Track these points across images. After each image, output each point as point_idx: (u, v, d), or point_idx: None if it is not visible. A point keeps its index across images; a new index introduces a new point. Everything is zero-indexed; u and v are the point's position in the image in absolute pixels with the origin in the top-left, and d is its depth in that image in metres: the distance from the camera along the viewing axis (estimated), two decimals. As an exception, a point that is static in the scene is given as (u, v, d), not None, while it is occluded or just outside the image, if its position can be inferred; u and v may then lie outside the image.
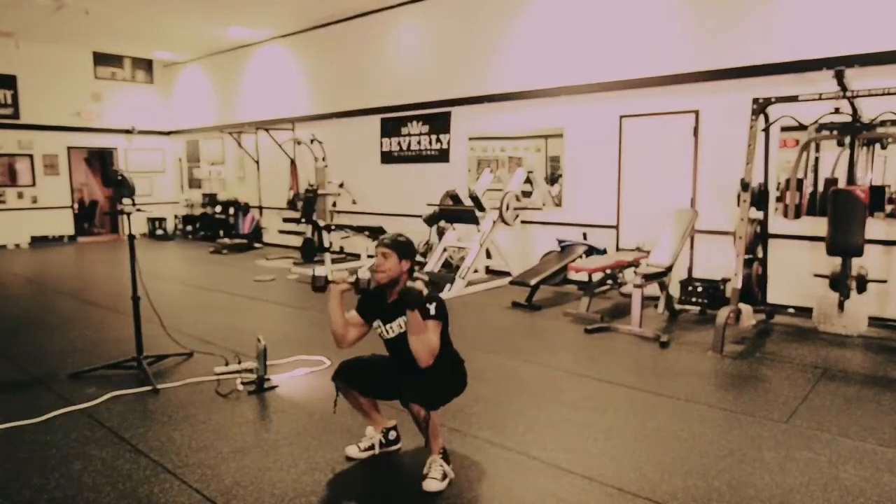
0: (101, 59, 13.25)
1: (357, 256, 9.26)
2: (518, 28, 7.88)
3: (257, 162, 12.27)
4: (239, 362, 4.37)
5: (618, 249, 7.12)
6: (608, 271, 6.14)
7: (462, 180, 8.52)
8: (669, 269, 5.66)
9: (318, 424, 3.45)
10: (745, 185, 5.07)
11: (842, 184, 5.31)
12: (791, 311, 5.97)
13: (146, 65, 14.02)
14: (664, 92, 6.65)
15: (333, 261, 8.61)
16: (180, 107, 14.19)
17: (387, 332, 2.91)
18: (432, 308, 2.73)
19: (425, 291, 2.71)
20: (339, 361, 3.02)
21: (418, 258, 7.82)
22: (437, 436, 2.77)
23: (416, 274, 2.85)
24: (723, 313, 4.84)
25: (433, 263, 7.87)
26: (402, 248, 2.87)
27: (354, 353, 3.03)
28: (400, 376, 2.81)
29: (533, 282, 6.42)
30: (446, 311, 2.81)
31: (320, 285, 2.93)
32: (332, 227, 8.90)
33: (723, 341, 4.76)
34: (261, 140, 11.96)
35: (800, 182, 5.68)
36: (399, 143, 9.48)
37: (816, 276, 5.47)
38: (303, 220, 9.44)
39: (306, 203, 9.55)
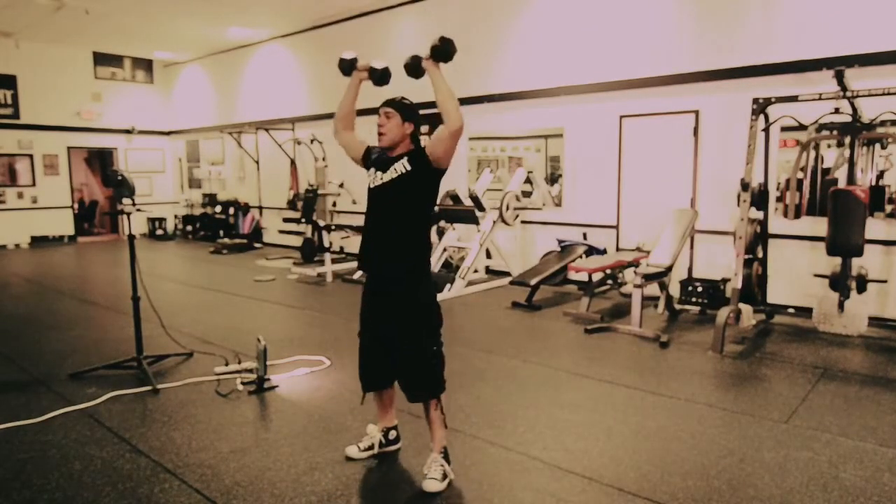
0: (101, 59, 13.25)
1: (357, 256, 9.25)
2: (518, 28, 7.88)
3: (257, 162, 12.27)
4: (239, 362, 4.37)
5: (618, 249, 7.12)
6: (608, 271, 6.14)
7: (462, 180, 8.52)
8: (669, 269, 5.66)
9: (318, 424, 3.45)
10: (745, 185, 5.07)
11: (842, 184, 5.31)
12: (791, 311, 5.97)
13: (146, 65, 14.02)
14: (664, 92, 6.65)
15: (333, 261, 8.61)
16: (180, 107, 14.18)
17: (378, 179, 2.81)
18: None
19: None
20: (359, 379, 2.98)
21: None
22: (442, 429, 2.80)
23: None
24: (723, 313, 4.84)
25: (433, 263, 7.87)
26: (406, 109, 2.81)
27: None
28: (371, 250, 2.82)
29: (533, 282, 6.42)
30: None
31: (346, 67, 2.97)
32: (332, 227, 8.90)
33: (723, 341, 4.76)
34: (261, 140, 11.96)
35: (800, 182, 5.68)
36: (399, 143, 9.46)
37: (816, 276, 5.47)
38: (303, 220, 9.43)
39: (306, 203, 9.55)
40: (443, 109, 2.66)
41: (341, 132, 3.03)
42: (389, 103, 2.81)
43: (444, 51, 2.65)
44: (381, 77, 2.92)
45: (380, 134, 2.81)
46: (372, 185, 2.84)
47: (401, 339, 2.81)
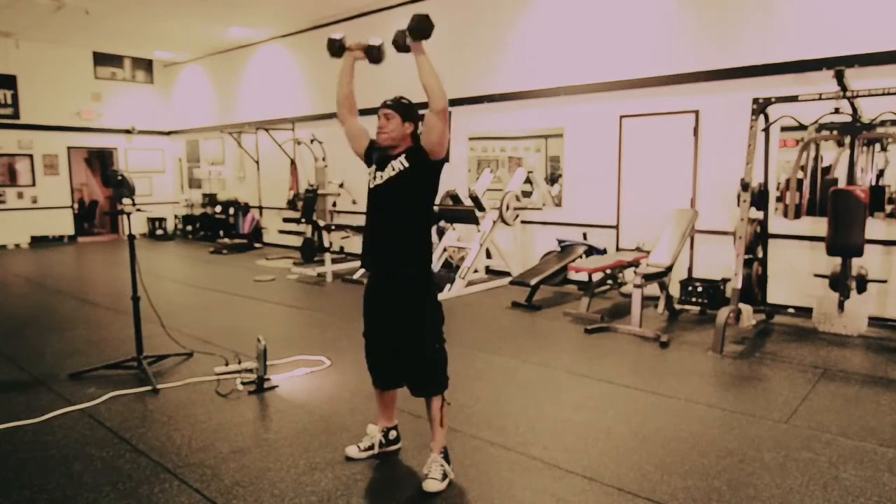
0: (101, 59, 13.25)
1: (357, 256, 9.26)
2: (518, 28, 7.88)
3: (257, 162, 12.27)
4: (239, 362, 4.37)
5: (618, 249, 7.12)
6: (608, 271, 6.14)
7: (462, 180, 8.52)
8: (669, 269, 5.66)
9: (318, 424, 3.45)
10: (745, 185, 5.07)
11: (842, 184, 5.31)
12: (791, 311, 5.97)
13: (146, 65, 14.02)
14: (664, 92, 6.65)
15: (333, 261, 8.61)
16: (180, 107, 14.18)
17: (377, 178, 2.81)
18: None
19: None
20: (368, 371, 2.99)
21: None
22: (444, 426, 2.81)
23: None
24: (723, 313, 4.84)
25: (433, 263, 7.87)
26: (406, 109, 2.82)
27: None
28: (375, 247, 2.81)
29: (533, 282, 6.42)
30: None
31: (335, 49, 2.88)
32: (332, 227, 8.90)
33: (723, 341, 4.76)
34: (261, 140, 11.96)
35: (800, 182, 5.68)
36: (399, 143, 9.46)
37: (816, 276, 5.47)
38: (303, 220, 9.44)
39: (306, 203, 9.55)
40: (426, 88, 2.67)
41: (346, 119, 3.02)
42: (389, 105, 2.82)
43: (418, 28, 2.63)
44: (377, 55, 2.89)
45: (380, 135, 2.80)
46: (371, 185, 2.85)
47: (404, 336, 2.82)
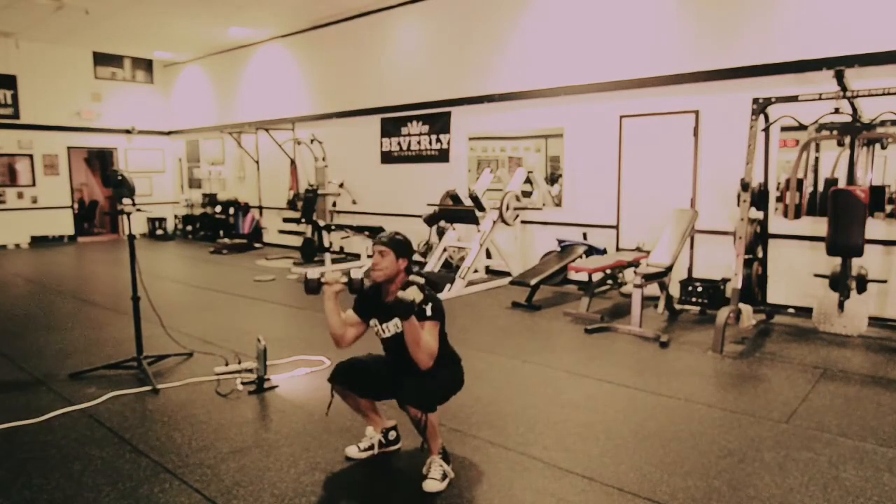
0: (101, 59, 13.25)
1: (357, 256, 9.27)
2: (518, 28, 7.88)
3: (257, 162, 12.27)
4: (239, 362, 4.37)
5: (618, 249, 7.12)
6: (608, 271, 6.14)
7: (462, 180, 8.52)
8: (669, 269, 5.66)
9: (318, 424, 3.45)
10: (745, 185, 5.07)
11: (842, 184, 5.31)
12: (791, 311, 5.97)
13: (146, 65, 14.02)
14: (664, 92, 6.65)
15: (333, 261, 8.61)
16: (180, 107, 14.18)
17: (383, 331, 2.90)
18: (429, 309, 2.71)
19: (418, 299, 2.61)
20: (336, 363, 3.01)
21: (418, 258, 7.82)
22: (435, 437, 2.77)
23: (411, 277, 2.79)
24: (723, 313, 4.84)
25: (433, 263, 7.87)
26: (399, 246, 2.87)
27: (352, 352, 3.04)
28: (397, 376, 2.80)
29: (533, 282, 6.42)
30: (443, 310, 2.80)
31: (313, 287, 2.90)
32: (332, 227, 8.90)
33: (723, 341, 4.76)
34: (261, 140, 11.96)
35: (800, 182, 5.68)
36: (399, 143, 9.48)
37: (816, 276, 5.47)
38: (303, 220, 9.44)
39: (306, 203, 9.56)
40: (411, 354, 2.68)
41: (343, 342, 2.96)
42: (383, 242, 2.85)
43: (401, 310, 2.60)
44: (359, 286, 2.90)
45: (375, 270, 2.85)
46: (381, 336, 2.93)
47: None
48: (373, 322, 2.94)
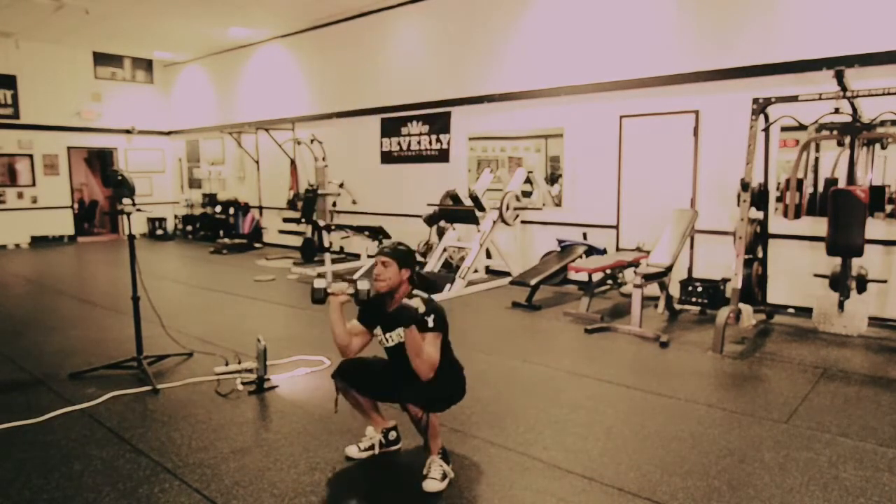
0: (101, 59, 13.25)
1: (357, 256, 9.26)
2: (518, 28, 7.88)
3: (257, 162, 12.27)
4: (239, 362, 4.37)
5: (618, 249, 7.12)
6: (608, 271, 6.14)
7: (462, 180, 8.52)
8: (669, 269, 5.66)
9: (318, 424, 3.45)
10: (745, 185, 5.07)
11: (842, 184, 5.31)
12: (791, 311, 5.97)
13: (146, 65, 14.02)
14: (664, 92, 6.65)
15: (333, 261, 8.61)
16: (180, 107, 14.19)
17: (387, 340, 2.92)
18: (430, 320, 2.71)
19: (422, 309, 2.65)
20: (340, 360, 3.02)
21: (418, 258, 7.82)
22: (436, 436, 2.77)
23: (415, 292, 2.81)
24: (723, 313, 4.84)
25: (433, 263, 7.87)
26: (402, 256, 2.87)
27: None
28: (400, 378, 2.81)
29: (533, 282, 6.42)
30: (446, 320, 2.80)
31: (319, 297, 2.89)
32: (332, 227, 8.89)
33: (723, 341, 4.76)
34: (261, 140, 11.96)
35: (800, 182, 5.68)
36: (399, 143, 9.48)
37: (816, 276, 5.47)
38: (303, 220, 9.44)
39: (306, 203, 9.56)
40: (413, 365, 2.68)
41: (349, 351, 2.96)
42: (386, 253, 2.85)
43: (404, 318, 2.63)
44: (366, 297, 2.88)
45: (378, 281, 2.85)
46: (384, 345, 2.94)
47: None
48: (377, 331, 2.95)
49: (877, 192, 5.37)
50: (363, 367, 2.97)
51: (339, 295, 2.87)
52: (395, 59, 9.38)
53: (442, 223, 8.16)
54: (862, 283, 5.14)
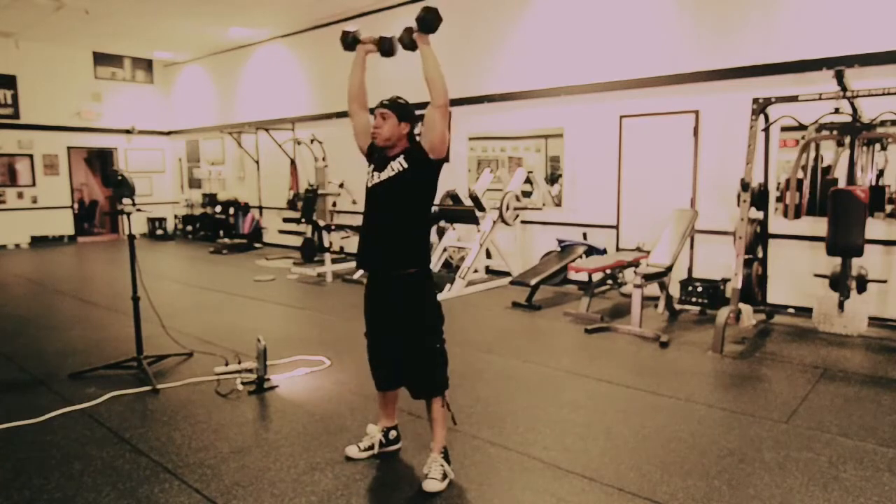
0: (101, 59, 13.25)
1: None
2: (518, 28, 7.88)
3: (257, 162, 12.27)
4: (239, 362, 4.37)
5: (618, 249, 7.12)
6: (608, 271, 6.14)
7: (462, 180, 8.52)
8: (669, 269, 5.66)
9: (318, 424, 3.45)
10: (745, 185, 5.07)
11: (842, 184, 5.31)
12: (791, 311, 5.97)
13: (146, 65, 14.02)
14: (664, 92, 6.65)
15: (333, 261, 8.61)
16: (180, 107, 14.19)
17: (375, 177, 2.82)
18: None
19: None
20: (372, 378, 3.01)
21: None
22: (443, 426, 2.83)
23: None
24: (723, 313, 4.84)
25: (433, 263, 7.88)
26: (402, 109, 2.82)
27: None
28: (371, 247, 2.82)
29: (533, 282, 6.42)
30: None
31: (349, 42, 2.95)
32: (332, 227, 8.89)
33: (723, 341, 4.76)
34: (261, 140, 11.96)
35: (800, 182, 5.68)
36: (399, 143, 9.46)
37: (816, 276, 5.47)
38: (303, 220, 9.43)
39: (306, 203, 9.55)
40: (429, 83, 2.70)
41: (356, 113, 3.00)
42: (385, 104, 2.81)
43: (427, 20, 2.68)
44: (389, 47, 2.93)
45: (375, 135, 2.80)
46: (369, 185, 2.86)
47: (403, 336, 2.83)
48: (369, 169, 2.87)
49: (877, 192, 5.37)
50: (382, 367, 2.95)
51: (367, 44, 2.93)
52: (394, 59, 9.35)
53: (442, 223, 8.16)
54: (862, 283, 5.14)
